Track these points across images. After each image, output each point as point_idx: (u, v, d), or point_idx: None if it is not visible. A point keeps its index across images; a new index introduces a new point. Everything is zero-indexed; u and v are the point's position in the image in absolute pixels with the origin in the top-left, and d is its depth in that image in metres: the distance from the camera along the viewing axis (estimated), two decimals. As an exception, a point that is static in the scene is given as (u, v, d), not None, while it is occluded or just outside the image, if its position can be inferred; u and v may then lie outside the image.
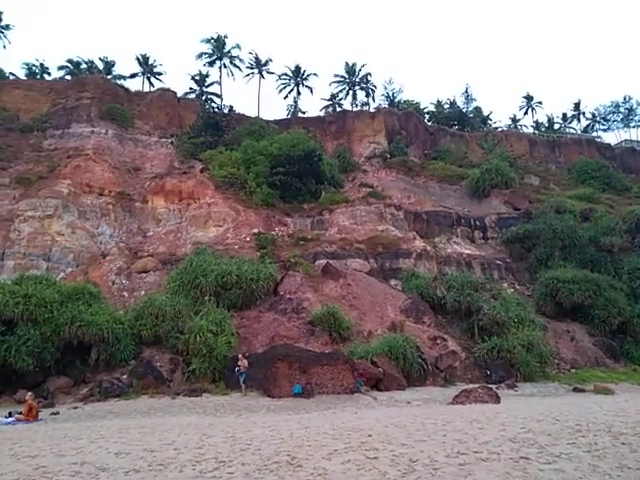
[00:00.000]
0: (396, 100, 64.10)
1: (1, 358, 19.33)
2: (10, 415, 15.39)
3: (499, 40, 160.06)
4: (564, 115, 73.67)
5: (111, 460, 7.65)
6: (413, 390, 21.04)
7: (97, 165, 37.49)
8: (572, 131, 71.64)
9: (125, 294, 29.12)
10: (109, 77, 53.25)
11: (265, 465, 6.91)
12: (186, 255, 30.27)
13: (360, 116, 53.82)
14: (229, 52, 58.22)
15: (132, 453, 8.16)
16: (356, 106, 61.26)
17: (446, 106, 66.06)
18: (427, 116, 63.27)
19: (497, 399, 16.76)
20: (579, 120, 73.48)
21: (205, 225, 35.68)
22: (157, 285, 29.03)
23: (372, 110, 57.44)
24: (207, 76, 58.34)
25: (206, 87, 58.19)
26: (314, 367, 19.53)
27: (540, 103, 73.37)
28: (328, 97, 63.59)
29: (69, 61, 55.92)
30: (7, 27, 53.33)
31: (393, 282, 32.14)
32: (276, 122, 50.98)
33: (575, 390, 22.28)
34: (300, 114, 60.41)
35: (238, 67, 59.41)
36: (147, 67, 59.64)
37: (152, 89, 55.37)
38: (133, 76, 58.87)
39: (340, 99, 63.10)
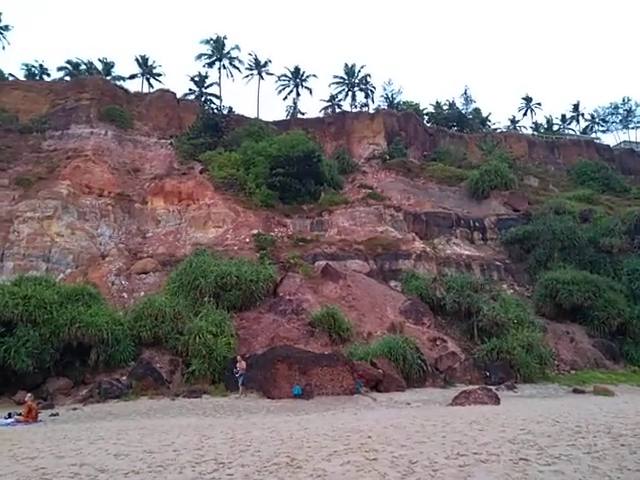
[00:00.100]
0: (395, 101, 64.10)
1: (0, 359, 19.28)
2: (9, 416, 15.35)
3: (498, 41, 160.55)
4: (563, 116, 73.80)
5: (110, 461, 7.65)
6: (413, 391, 21.05)
7: (96, 166, 37.47)
8: (571, 132, 71.70)
9: (125, 295, 29.10)
10: (108, 78, 53.16)
11: (265, 466, 6.91)
12: (186, 256, 30.26)
13: (359, 117, 53.75)
14: (228, 53, 58.25)
15: (131, 454, 8.15)
16: (355, 107, 61.32)
17: (445, 107, 66.12)
18: (426, 117, 63.18)
19: (497, 400, 16.75)
20: (578, 121, 73.66)
21: (204, 226, 35.70)
22: (157, 286, 29.01)
23: (371, 111, 57.37)
24: (206, 77, 58.39)
25: (205, 88, 58.17)
26: (314, 368, 19.52)
27: (539, 104, 73.51)
28: (327, 98, 63.70)
29: (68, 62, 55.95)
30: (6, 28, 53.30)
31: (393, 283, 32.17)
32: (275, 123, 51.01)
33: (575, 391, 22.29)
34: (299, 115, 60.42)
35: (237, 68, 59.52)
36: (146, 68, 59.66)
37: (151, 90, 55.44)
38: (132, 77, 59.01)
39: (339, 100, 63.19)
